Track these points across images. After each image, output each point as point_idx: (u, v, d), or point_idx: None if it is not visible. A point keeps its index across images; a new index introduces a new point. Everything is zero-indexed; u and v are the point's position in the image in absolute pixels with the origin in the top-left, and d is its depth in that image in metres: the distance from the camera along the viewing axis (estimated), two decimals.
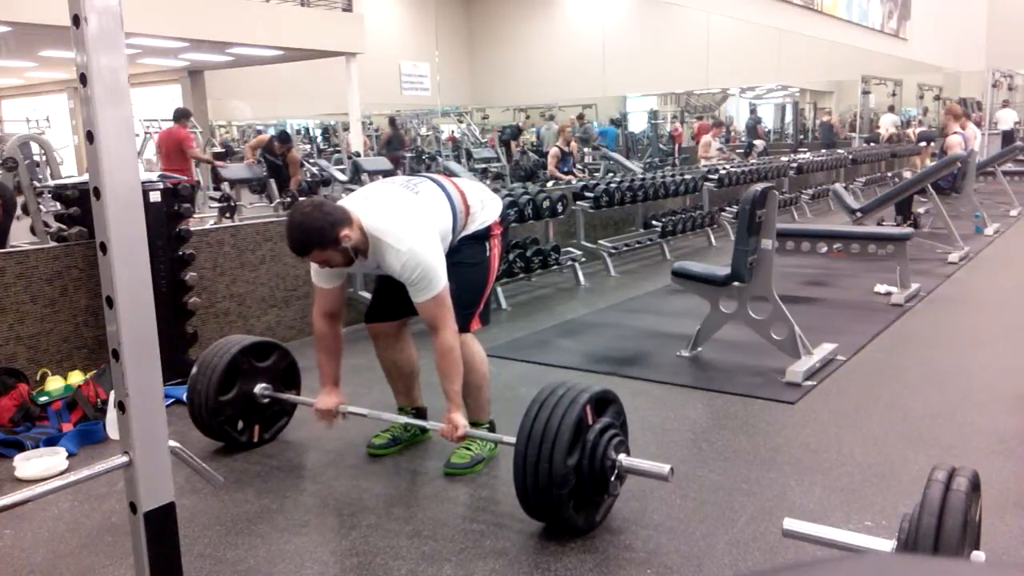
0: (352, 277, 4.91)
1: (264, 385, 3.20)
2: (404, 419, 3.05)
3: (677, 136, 16.92)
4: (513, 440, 2.46)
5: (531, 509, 2.43)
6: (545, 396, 2.46)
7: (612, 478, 2.44)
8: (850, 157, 12.40)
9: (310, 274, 4.85)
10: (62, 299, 3.80)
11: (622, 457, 2.47)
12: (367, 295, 4.78)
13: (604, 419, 2.49)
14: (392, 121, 14.98)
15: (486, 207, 2.98)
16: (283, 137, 9.54)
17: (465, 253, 2.91)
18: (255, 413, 3.21)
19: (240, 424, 3.17)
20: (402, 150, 13.98)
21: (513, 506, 2.68)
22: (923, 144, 13.95)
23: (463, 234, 2.91)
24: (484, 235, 2.96)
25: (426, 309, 2.70)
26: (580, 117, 15.57)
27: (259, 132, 17.52)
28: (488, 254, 2.98)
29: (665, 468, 2.40)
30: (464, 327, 2.89)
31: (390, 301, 2.99)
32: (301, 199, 3.26)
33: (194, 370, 3.15)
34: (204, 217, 8.52)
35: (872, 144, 15.13)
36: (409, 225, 2.69)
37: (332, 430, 3.19)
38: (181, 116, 9.22)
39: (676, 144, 16.43)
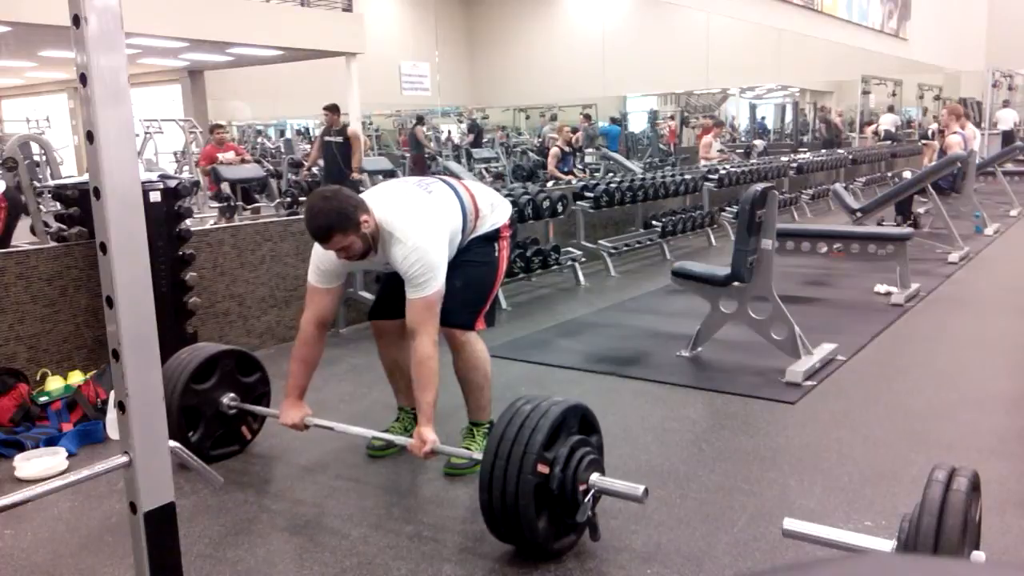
0: (352, 278, 4.91)
1: (228, 397, 3.09)
2: (372, 432, 2.93)
3: (670, 136, 16.93)
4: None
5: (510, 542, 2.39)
6: (491, 463, 2.26)
7: (588, 513, 2.28)
8: (850, 157, 12.40)
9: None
10: (62, 299, 3.80)
11: (595, 478, 2.30)
12: (367, 295, 4.79)
13: (563, 449, 2.28)
14: (420, 119, 14.86)
15: (496, 210, 3.01)
16: (333, 107, 9.00)
17: (474, 252, 2.93)
18: (233, 422, 3.13)
19: (226, 440, 3.12)
20: (423, 150, 13.84)
21: None
22: (924, 142, 13.95)
23: (473, 235, 2.93)
24: (493, 236, 2.99)
25: (414, 309, 2.68)
26: (587, 118, 15.56)
27: (259, 132, 17.57)
28: (496, 255, 3.00)
29: (639, 489, 2.27)
30: (469, 325, 2.90)
31: (396, 299, 2.96)
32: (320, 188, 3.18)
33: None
34: (204, 217, 8.54)
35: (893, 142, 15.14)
36: (419, 222, 2.71)
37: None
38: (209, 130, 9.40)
39: (671, 144, 16.45)
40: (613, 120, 17.04)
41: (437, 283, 2.67)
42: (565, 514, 2.30)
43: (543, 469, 2.25)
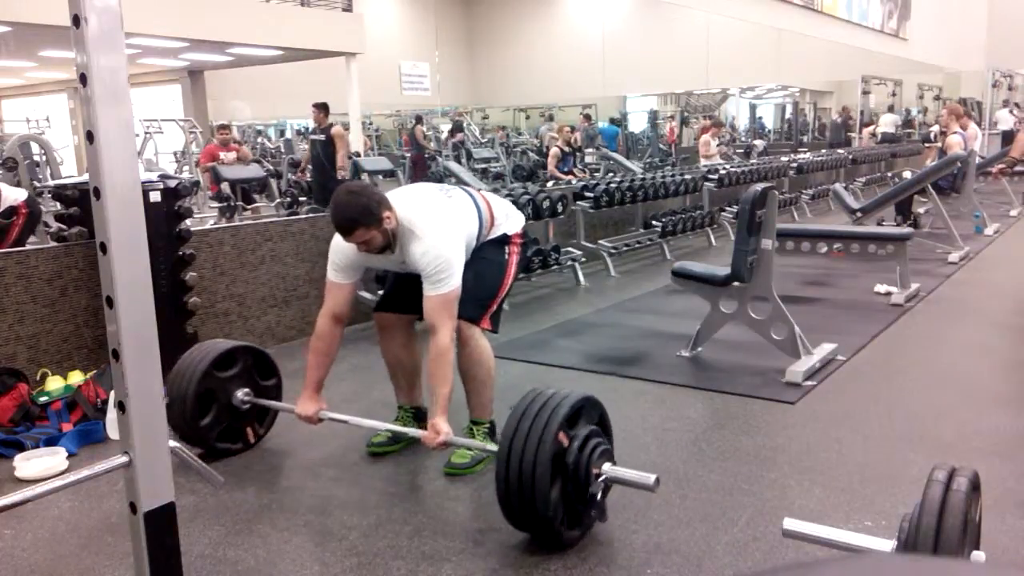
0: None
1: (242, 392, 3.13)
2: (385, 425, 2.97)
3: (670, 135, 16.94)
4: (496, 449, 2.42)
5: (522, 527, 2.41)
6: (514, 429, 2.33)
7: (598, 495, 2.35)
8: (850, 157, 12.40)
9: (310, 274, 4.87)
10: (62, 299, 3.80)
11: (607, 467, 2.38)
12: (367, 296, 4.79)
13: (582, 431, 2.36)
14: (419, 119, 14.86)
15: (510, 219, 3.12)
16: (321, 106, 8.85)
17: (485, 251, 3.02)
18: (242, 419, 3.16)
19: (232, 435, 3.14)
20: (424, 150, 13.79)
21: None
22: (927, 145, 13.96)
23: (486, 239, 3.02)
24: (505, 240, 3.08)
25: (432, 305, 2.74)
26: (587, 118, 15.58)
27: (259, 132, 17.56)
28: (506, 257, 3.07)
29: (651, 478, 2.31)
30: (476, 318, 2.94)
31: (405, 295, 3.02)
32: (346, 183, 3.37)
33: (165, 400, 3.01)
34: (204, 217, 8.54)
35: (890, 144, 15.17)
36: (439, 221, 2.81)
37: (334, 428, 3.19)
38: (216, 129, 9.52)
39: (672, 145, 16.46)
40: (612, 120, 17.03)
41: (454, 281, 2.74)
42: (578, 498, 2.34)
43: (563, 439, 2.30)
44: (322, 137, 8.84)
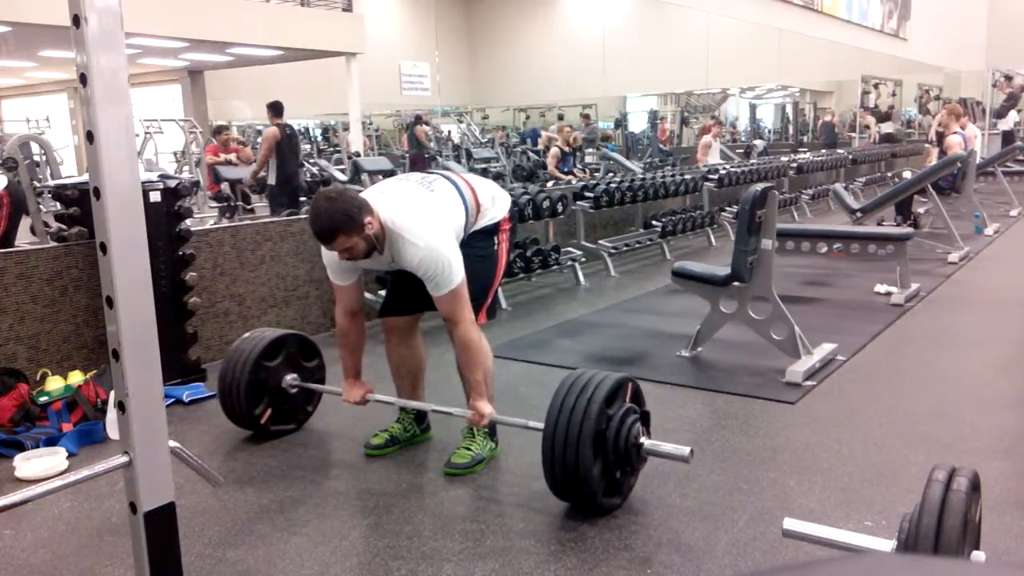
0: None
1: (295, 376, 3.32)
2: (431, 406, 3.07)
3: (661, 136, 16.95)
4: (540, 425, 2.56)
5: (565, 498, 2.50)
6: (560, 403, 2.56)
7: (634, 456, 2.55)
8: (850, 157, 12.40)
9: (310, 274, 4.88)
10: (62, 299, 3.80)
11: (644, 440, 2.60)
12: (367, 296, 4.79)
13: (621, 407, 2.59)
14: (419, 119, 14.83)
15: (496, 203, 3.03)
16: (270, 106, 8.33)
17: (474, 246, 2.95)
18: (275, 396, 3.29)
19: (260, 402, 3.27)
20: (423, 150, 13.72)
21: (514, 506, 2.69)
22: (927, 146, 13.96)
23: (473, 229, 2.96)
24: (493, 230, 3.01)
25: (444, 303, 2.75)
26: (586, 118, 15.58)
27: (259, 132, 17.55)
28: (496, 248, 3.03)
29: (685, 450, 2.52)
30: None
31: (404, 296, 3.02)
32: (324, 188, 3.43)
33: (247, 334, 3.37)
34: (204, 217, 8.54)
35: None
36: (426, 222, 2.75)
37: (334, 427, 3.19)
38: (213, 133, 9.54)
39: (664, 143, 16.48)
40: (616, 124, 16.97)
41: (458, 275, 2.73)
42: (618, 469, 2.53)
43: (629, 389, 2.59)
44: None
